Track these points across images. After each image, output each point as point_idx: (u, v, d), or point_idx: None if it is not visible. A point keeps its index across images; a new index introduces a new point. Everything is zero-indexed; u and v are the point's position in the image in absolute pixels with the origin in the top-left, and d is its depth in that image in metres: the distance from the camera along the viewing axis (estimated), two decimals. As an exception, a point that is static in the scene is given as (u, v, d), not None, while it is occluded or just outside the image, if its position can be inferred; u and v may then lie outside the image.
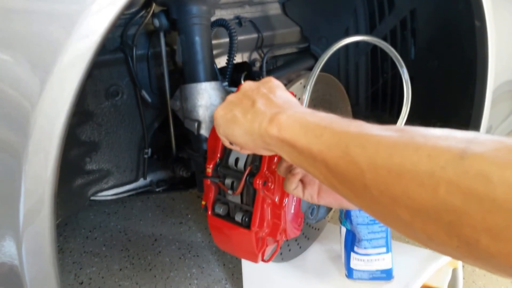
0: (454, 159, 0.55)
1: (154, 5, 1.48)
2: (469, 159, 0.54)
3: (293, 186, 1.03)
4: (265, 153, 0.91)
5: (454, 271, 1.57)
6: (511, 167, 0.51)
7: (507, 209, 0.50)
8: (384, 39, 1.87)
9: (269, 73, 1.83)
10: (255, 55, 1.87)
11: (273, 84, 0.95)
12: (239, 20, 1.78)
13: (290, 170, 1.03)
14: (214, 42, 1.59)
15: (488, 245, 0.52)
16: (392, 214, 0.63)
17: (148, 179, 1.78)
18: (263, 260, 1.30)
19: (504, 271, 0.54)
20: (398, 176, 0.60)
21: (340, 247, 1.49)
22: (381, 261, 1.41)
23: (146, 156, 1.67)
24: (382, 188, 0.62)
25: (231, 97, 0.95)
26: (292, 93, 1.24)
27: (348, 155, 0.67)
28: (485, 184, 0.52)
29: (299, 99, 1.30)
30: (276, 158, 1.19)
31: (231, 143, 0.99)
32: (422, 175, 0.57)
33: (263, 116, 0.84)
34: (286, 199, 1.22)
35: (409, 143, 0.61)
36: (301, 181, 1.05)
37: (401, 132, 0.64)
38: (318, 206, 1.46)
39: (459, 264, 1.55)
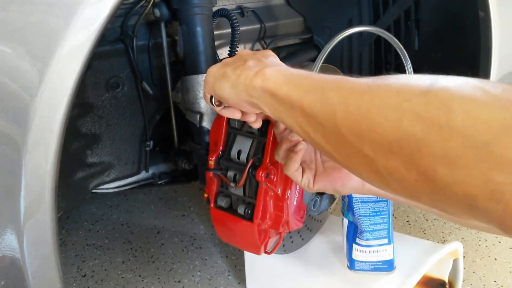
0: (420, 92, 0.58)
1: (154, -6, 1.47)
2: (434, 91, 0.57)
3: (295, 167, 1.04)
4: (246, 107, 0.92)
5: (455, 262, 1.57)
6: (471, 98, 0.54)
7: (464, 136, 0.52)
8: (388, 29, 1.86)
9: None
10: (257, 46, 1.85)
11: (268, 53, 0.98)
12: (241, 10, 1.77)
13: (291, 150, 1.03)
14: (216, 32, 1.57)
15: (444, 174, 0.54)
16: (357, 153, 0.65)
17: (150, 171, 1.78)
18: (265, 252, 1.29)
19: (459, 203, 0.55)
20: (366, 112, 0.62)
21: (342, 239, 1.49)
22: (382, 252, 1.41)
23: (147, 148, 1.66)
24: (351, 125, 0.64)
25: (227, 59, 0.98)
26: None
27: (323, 98, 0.70)
28: (445, 113, 0.54)
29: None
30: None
31: (210, 101, 0.99)
32: (388, 109, 0.60)
33: (250, 70, 0.87)
34: (289, 192, 1.22)
35: (381, 83, 0.64)
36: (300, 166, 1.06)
37: (375, 78, 0.67)
38: (321, 198, 1.46)
39: (460, 254, 1.55)
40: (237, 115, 1.00)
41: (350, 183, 1.07)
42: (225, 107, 0.99)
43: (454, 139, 0.53)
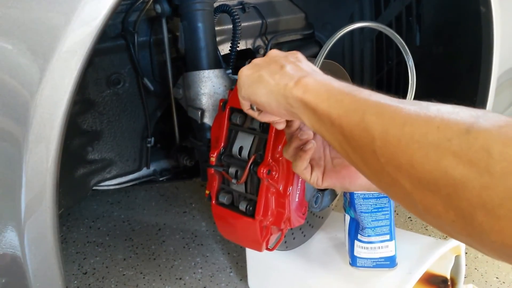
0: (461, 132, 0.56)
1: (156, -10, 1.46)
2: (475, 133, 0.55)
3: (304, 165, 1.04)
4: (284, 114, 0.91)
5: (457, 258, 1.57)
6: None
7: (504, 185, 0.51)
8: (389, 25, 1.85)
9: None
10: (259, 42, 1.85)
11: (300, 56, 0.97)
12: (242, 6, 1.76)
13: (301, 148, 1.03)
14: (217, 28, 1.57)
15: (482, 221, 0.53)
16: (395, 183, 0.64)
17: (151, 168, 1.77)
18: (267, 248, 1.29)
19: (495, 249, 0.54)
20: (406, 145, 0.61)
21: (344, 235, 1.49)
22: (384, 249, 1.41)
23: (149, 145, 1.66)
24: (389, 156, 0.63)
25: (258, 60, 0.97)
26: None
27: (363, 122, 0.69)
28: (486, 159, 0.53)
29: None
30: (280, 147, 1.19)
31: (251, 108, 0.99)
32: (428, 146, 0.59)
33: (290, 78, 0.86)
34: (290, 188, 1.21)
35: (422, 115, 0.62)
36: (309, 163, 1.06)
37: (417, 105, 0.65)
38: (322, 195, 1.45)
39: (462, 251, 1.55)
40: (275, 120, 1.01)
41: (358, 181, 1.06)
42: (263, 112, 0.99)
43: (493, 187, 0.51)
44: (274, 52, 0.98)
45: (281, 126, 1.02)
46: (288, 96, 0.84)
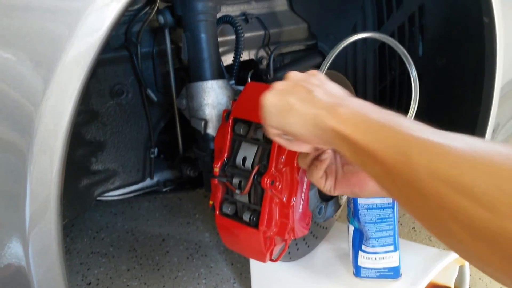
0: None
1: (158, 1, 1.47)
2: None
3: (320, 174, 1.04)
4: (320, 144, 0.89)
5: (461, 268, 1.56)
6: None
7: None
8: (392, 35, 1.86)
9: (277, 71, 1.82)
10: (262, 53, 1.85)
11: (322, 76, 0.94)
12: (245, 17, 1.77)
13: (317, 157, 1.03)
14: (220, 39, 1.57)
15: None
16: (445, 228, 0.61)
17: (155, 179, 1.77)
18: (271, 259, 1.29)
19: None
20: (456, 192, 0.58)
21: (348, 246, 1.48)
22: (388, 259, 1.40)
23: (152, 155, 1.66)
24: (439, 201, 0.60)
25: (280, 85, 0.93)
26: None
27: (408, 160, 0.65)
28: None
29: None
30: (285, 154, 1.19)
31: (281, 136, 0.97)
32: (481, 196, 0.56)
33: (323, 106, 0.82)
34: (294, 198, 1.21)
35: (469, 157, 0.59)
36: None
37: (461, 141, 0.62)
38: (326, 205, 1.45)
39: (466, 262, 1.54)
40: (307, 149, 1.00)
41: (368, 188, 1.06)
42: (292, 141, 0.97)
43: None
44: (294, 75, 0.95)
45: (309, 149, 1.01)
46: (324, 128, 0.80)
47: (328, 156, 1.03)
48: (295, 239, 1.30)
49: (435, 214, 0.61)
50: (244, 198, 1.26)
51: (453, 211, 0.58)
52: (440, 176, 0.60)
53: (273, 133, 0.95)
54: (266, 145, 1.22)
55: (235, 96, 1.44)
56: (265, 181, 1.17)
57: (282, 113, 0.88)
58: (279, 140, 0.97)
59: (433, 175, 0.61)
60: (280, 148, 1.18)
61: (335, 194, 1.10)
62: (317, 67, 1.26)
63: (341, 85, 1.46)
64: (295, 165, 1.19)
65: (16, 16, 0.85)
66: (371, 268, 1.41)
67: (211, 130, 1.44)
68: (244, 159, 1.24)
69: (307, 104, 0.84)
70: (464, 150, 0.60)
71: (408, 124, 0.70)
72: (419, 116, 1.20)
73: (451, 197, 0.58)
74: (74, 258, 2.19)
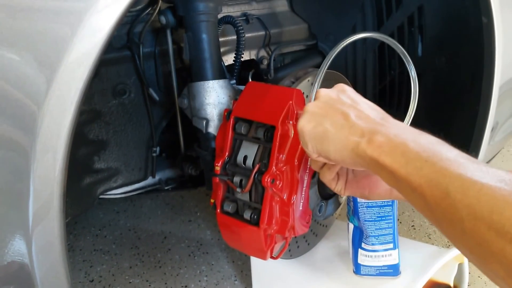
0: None
1: (160, 2, 1.47)
2: None
3: (332, 176, 1.05)
4: (358, 168, 0.91)
5: (460, 266, 1.56)
6: None
7: None
8: (392, 35, 1.85)
9: (277, 70, 1.82)
10: (262, 53, 1.85)
11: (353, 93, 0.94)
12: (246, 17, 1.77)
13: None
14: (221, 39, 1.57)
15: None
16: (486, 266, 0.62)
17: (157, 177, 1.77)
18: (271, 257, 1.29)
19: None
20: (496, 235, 0.59)
21: (347, 244, 1.48)
22: (388, 257, 1.40)
23: (154, 154, 1.66)
24: (480, 241, 0.61)
25: (313, 107, 0.93)
26: (300, 91, 1.24)
27: (448, 198, 0.66)
28: None
29: (306, 96, 1.29)
30: (286, 153, 1.19)
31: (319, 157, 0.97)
32: None
33: (359, 132, 0.83)
34: (294, 197, 1.21)
35: (508, 197, 0.60)
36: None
37: (502, 181, 0.62)
38: (326, 204, 1.45)
39: (465, 259, 1.54)
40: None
41: (377, 191, 1.07)
42: (327, 167, 1.01)
43: None
44: (326, 94, 0.94)
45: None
46: (362, 156, 0.81)
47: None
48: (295, 237, 1.30)
49: (475, 249, 0.63)
50: (245, 197, 1.26)
51: (493, 252, 0.59)
52: (480, 217, 0.61)
53: (312, 155, 0.96)
54: (266, 144, 1.22)
55: (236, 95, 1.44)
56: (266, 180, 1.17)
57: (321, 140, 0.89)
58: (318, 158, 0.97)
59: (473, 216, 0.62)
60: (281, 147, 1.19)
61: (345, 195, 1.11)
62: (317, 66, 1.26)
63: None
64: (296, 164, 1.20)
65: (19, 17, 0.85)
66: (371, 266, 1.41)
67: (212, 129, 1.44)
68: (245, 157, 1.25)
69: (344, 131, 0.85)
70: (502, 190, 0.61)
71: (446, 156, 0.71)
72: (418, 115, 1.21)
73: (491, 238, 0.59)
74: (77, 255, 2.19)
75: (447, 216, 0.66)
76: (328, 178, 1.05)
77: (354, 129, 0.84)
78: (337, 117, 0.87)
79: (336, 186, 1.07)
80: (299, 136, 0.94)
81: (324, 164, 1.04)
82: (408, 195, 0.75)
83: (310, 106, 0.93)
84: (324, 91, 0.95)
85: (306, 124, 0.91)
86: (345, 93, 0.94)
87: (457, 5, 1.65)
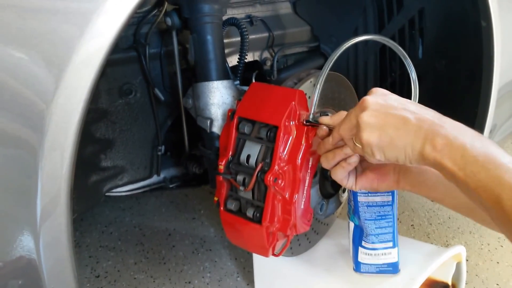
0: None
1: (166, 3, 1.47)
2: None
3: (345, 174, 1.11)
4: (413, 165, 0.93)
5: (458, 265, 1.56)
6: None
7: None
8: (393, 38, 1.85)
9: (280, 71, 1.82)
10: (266, 54, 1.85)
11: (394, 96, 0.96)
12: (250, 19, 1.77)
13: (344, 159, 1.07)
14: (225, 41, 1.58)
15: None
16: None
17: (162, 175, 1.77)
18: (273, 254, 1.29)
19: None
20: None
21: (348, 242, 1.48)
22: (387, 255, 1.40)
23: (159, 153, 1.67)
24: None
25: (369, 118, 0.93)
26: (302, 92, 1.24)
27: (498, 203, 0.72)
28: None
29: (309, 97, 1.29)
30: (288, 152, 1.19)
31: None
32: None
33: (423, 135, 0.86)
34: (296, 195, 1.22)
35: None
36: None
37: None
38: (327, 202, 1.45)
39: (463, 258, 1.54)
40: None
41: (385, 182, 1.12)
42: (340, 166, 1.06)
43: None
44: (374, 103, 0.95)
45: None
46: (428, 159, 0.85)
47: (356, 159, 1.07)
48: (297, 234, 1.30)
49: None
50: (248, 195, 1.26)
51: None
52: None
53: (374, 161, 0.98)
54: (269, 143, 1.22)
55: (239, 96, 1.44)
56: (268, 178, 1.17)
57: (387, 149, 0.91)
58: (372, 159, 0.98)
59: None
60: (283, 146, 1.19)
61: (357, 190, 1.17)
62: (319, 68, 1.26)
63: (342, 86, 1.46)
64: (298, 163, 1.20)
65: (29, 17, 0.85)
66: (371, 264, 1.41)
67: (216, 129, 1.44)
68: (248, 157, 1.25)
69: (409, 136, 0.88)
70: None
71: (500, 162, 0.76)
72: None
73: None
74: (83, 252, 2.20)
75: (498, 216, 0.73)
76: (340, 176, 1.09)
77: (418, 133, 0.87)
78: (397, 123, 0.89)
79: (348, 182, 1.12)
80: (364, 148, 0.95)
81: (337, 163, 1.07)
82: (466, 194, 0.80)
83: (366, 117, 0.93)
84: (371, 99, 0.95)
85: (370, 136, 0.92)
86: (388, 96, 0.96)
87: (457, 8, 1.65)
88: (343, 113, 1.08)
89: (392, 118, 0.90)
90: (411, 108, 0.91)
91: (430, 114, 0.90)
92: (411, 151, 0.87)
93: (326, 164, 1.10)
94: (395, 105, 0.92)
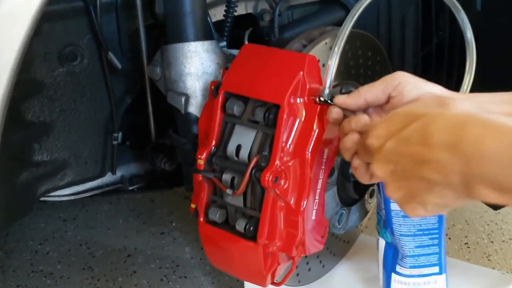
0: None
1: None
2: None
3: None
4: None
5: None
6: None
7: None
8: (439, -18, 1.86)
9: (283, 29, 1.82)
10: (263, 5, 1.85)
11: (416, 115, 0.90)
12: (241, -43, 1.77)
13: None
14: (208, -14, 1.58)
15: None
16: None
17: (118, 174, 1.78)
18: (273, 283, 1.30)
19: None
20: None
21: (377, 266, 1.49)
22: (432, 285, 1.41)
23: (115, 142, 1.67)
24: None
25: (384, 172, 0.94)
26: (314, 58, 1.23)
27: None
28: None
29: (323, 65, 1.29)
30: (294, 141, 1.19)
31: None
32: None
33: (452, 189, 0.86)
34: (305, 202, 1.22)
35: None
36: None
37: None
38: (348, 211, 1.46)
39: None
40: None
41: None
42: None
43: None
44: (388, 150, 0.93)
45: None
46: (470, 198, 0.86)
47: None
48: (305, 256, 1.31)
49: None
50: (238, 201, 1.27)
51: None
52: None
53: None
54: (268, 129, 1.21)
55: (226, 63, 1.44)
56: (267, 178, 1.17)
57: (417, 203, 0.92)
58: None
59: None
60: (287, 134, 1.19)
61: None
62: (339, 24, 1.26)
63: (370, 50, 1.47)
64: (307, 157, 1.20)
65: None
66: (408, 297, 1.42)
67: (194, 109, 1.45)
68: (239, 147, 1.25)
69: (439, 198, 0.89)
70: None
71: None
72: (474, 88, 1.21)
73: None
74: (9, 279, 2.20)
75: None
76: (367, 180, 1.07)
77: (445, 191, 0.87)
78: (420, 184, 0.90)
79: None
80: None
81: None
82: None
83: (380, 172, 0.94)
84: (377, 133, 0.94)
85: (394, 195, 0.95)
86: (405, 118, 0.92)
87: None
88: (363, 91, 1.08)
89: (415, 182, 0.90)
90: (434, 154, 0.87)
91: (452, 159, 0.85)
92: (445, 205, 0.91)
93: (348, 154, 1.09)
94: (413, 151, 0.89)
